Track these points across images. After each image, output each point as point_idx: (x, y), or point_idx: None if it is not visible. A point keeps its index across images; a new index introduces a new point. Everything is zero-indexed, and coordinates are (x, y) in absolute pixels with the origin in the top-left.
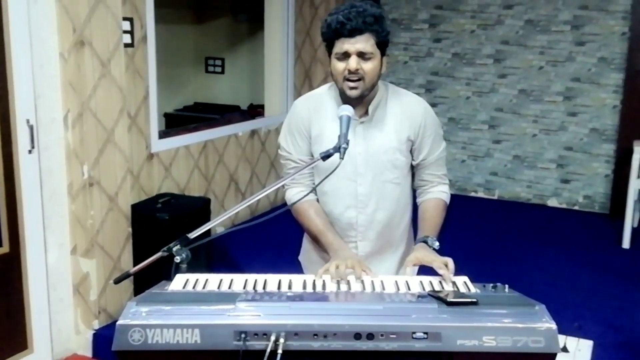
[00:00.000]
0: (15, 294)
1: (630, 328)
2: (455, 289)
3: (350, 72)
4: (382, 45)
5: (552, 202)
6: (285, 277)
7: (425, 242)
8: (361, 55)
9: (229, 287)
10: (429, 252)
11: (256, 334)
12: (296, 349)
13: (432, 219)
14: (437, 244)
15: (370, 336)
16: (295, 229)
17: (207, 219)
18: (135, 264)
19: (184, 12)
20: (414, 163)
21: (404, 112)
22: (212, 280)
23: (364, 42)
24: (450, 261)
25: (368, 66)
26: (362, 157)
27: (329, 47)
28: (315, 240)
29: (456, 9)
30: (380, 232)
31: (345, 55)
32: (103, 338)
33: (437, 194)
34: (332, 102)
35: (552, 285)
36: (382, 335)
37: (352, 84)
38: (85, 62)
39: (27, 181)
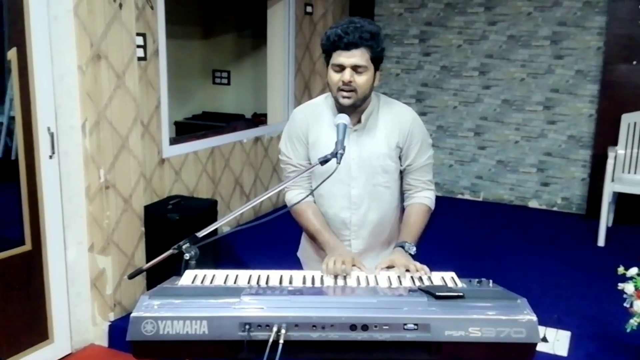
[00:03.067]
0: (37, 289)
1: (604, 319)
2: (443, 284)
3: (344, 83)
4: (376, 60)
5: (533, 204)
6: (286, 273)
7: (403, 247)
8: (355, 68)
9: (234, 282)
10: (404, 256)
11: (259, 325)
12: (296, 339)
13: (413, 224)
14: (414, 249)
15: (365, 327)
16: (295, 228)
17: (214, 219)
18: (147, 261)
19: (193, 29)
20: (401, 168)
21: (394, 120)
22: (219, 276)
23: (358, 57)
24: (424, 269)
25: (361, 79)
26: (355, 162)
27: (327, 58)
28: (313, 239)
29: (444, 25)
30: (372, 231)
31: (341, 68)
32: (118, 329)
33: (421, 199)
34: (329, 110)
35: (533, 280)
36: (375, 326)
37: (345, 94)
38: (102, 74)
39: (48, 184)
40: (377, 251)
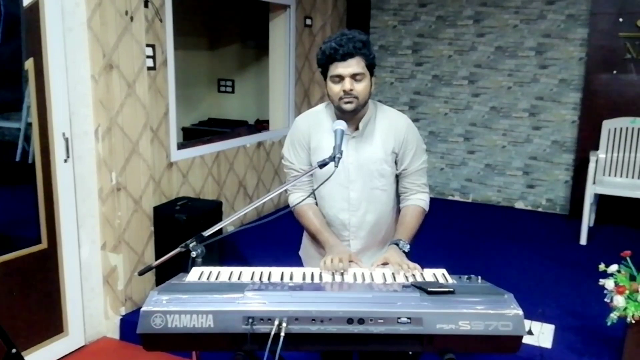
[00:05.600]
0: (53, 285)
1: (586, 314)
2: (435, 280)
3: (345, 92)
4: (371, 67)
5: (519, 205)
6: (287, 270)
7: (397, 244)
8: (354, 76)
9: (238, 279)
10: (398, 254)
11: (262, 319)
12: (297, 332)
13: (407, 224)
14: (408, 247)
15: (361, 321)
16: (295, 228)
17: (219, 219)
18: (157, 259)
19: (199, 40)
20: (397, 172)
21: (390, 127)
22: (224, 273)
23: (355, 65)
24: (416, 268)
25: (360, 86)
26: (353, 167)
27: (324, 72)
28: (314, 238)
29: (436, 37)
30: (369, 231)
31: (340, 78)
32: (129, 323)
33: (416, 201)
34: (328, 118)
35: (519, 277)
36: (371, 320)
37: (347, 99)
38: (114, 83)
39: (63, 186)
40: (374, 250)
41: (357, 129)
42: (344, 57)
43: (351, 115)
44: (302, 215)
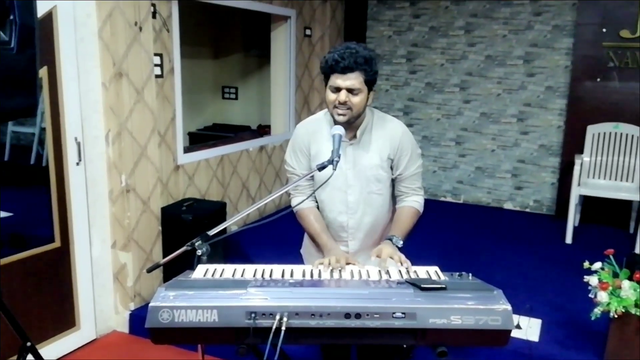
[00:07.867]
0: (65, 281)
1: (571, 309)
2: (428, 277)
3: (340, 102)
4: (370, 82)
5: (508, 206)
6: (287, 267)
7: (391, 239)
8: (350, 90)
9: (242, 276)
10: (391, 247)
11: (264, 314)
12: (297, 326)
13: (401, 222)
14: (401, 243)
15: (358, 316)
16: (296, 228)
17: (223, 219)
18: (164, 257)
19: (204, 49)
20: (393, 176)
21: (385, 135)
22: (228, 270)
23: (353, 79)
24: (407, 262)
25: (355, 99)
26: (351, 173)
27: (325, 80)
28: (313, 241)
29: (429, 46)
30: (367, 233)
31: (337, 89)
32: (138, 317)
33: (410, 202)
34: (327, 125)
35: (508, 274)
36: (367, 315)
37: (340, 112)
38: (123, 90)
39: (75, 188)
40: (371, 250)
41: (354, 136)
42: (344, 71)
43: (347, 124)
44: (304, 218)
